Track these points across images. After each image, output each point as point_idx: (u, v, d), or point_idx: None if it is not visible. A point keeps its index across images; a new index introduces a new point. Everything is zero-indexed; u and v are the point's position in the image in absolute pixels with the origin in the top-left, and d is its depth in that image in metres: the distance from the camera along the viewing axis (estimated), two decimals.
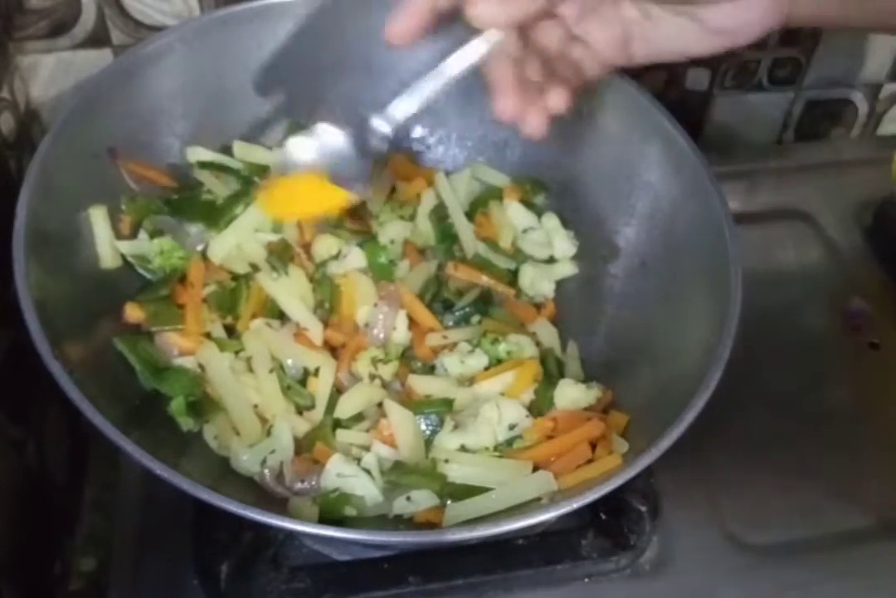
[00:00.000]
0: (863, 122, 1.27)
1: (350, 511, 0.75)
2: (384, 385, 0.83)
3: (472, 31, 0.68)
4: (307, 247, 0.91)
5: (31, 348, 0.66)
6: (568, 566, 0.82)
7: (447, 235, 0.94)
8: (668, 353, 0.81)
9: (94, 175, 0.82)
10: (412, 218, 0.95)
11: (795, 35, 1.14)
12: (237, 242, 0.88)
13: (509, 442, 0.80)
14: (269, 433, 0.78)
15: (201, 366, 0.80)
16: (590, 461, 0.76)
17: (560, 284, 0.95)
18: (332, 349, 0.85)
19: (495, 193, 0.97)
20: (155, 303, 0.82)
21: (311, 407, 0.81)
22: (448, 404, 0.81)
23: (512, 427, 0.80)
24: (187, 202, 0.89)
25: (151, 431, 0.73)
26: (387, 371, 0.83)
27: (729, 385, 0.71)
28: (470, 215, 0.96)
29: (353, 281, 0.88)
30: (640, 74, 1.12)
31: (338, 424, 0.81)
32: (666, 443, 0.69)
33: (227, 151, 0.93)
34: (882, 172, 1.06)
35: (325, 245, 0.90)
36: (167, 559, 0.81)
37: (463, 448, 0.78)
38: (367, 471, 0.76)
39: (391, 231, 0.92)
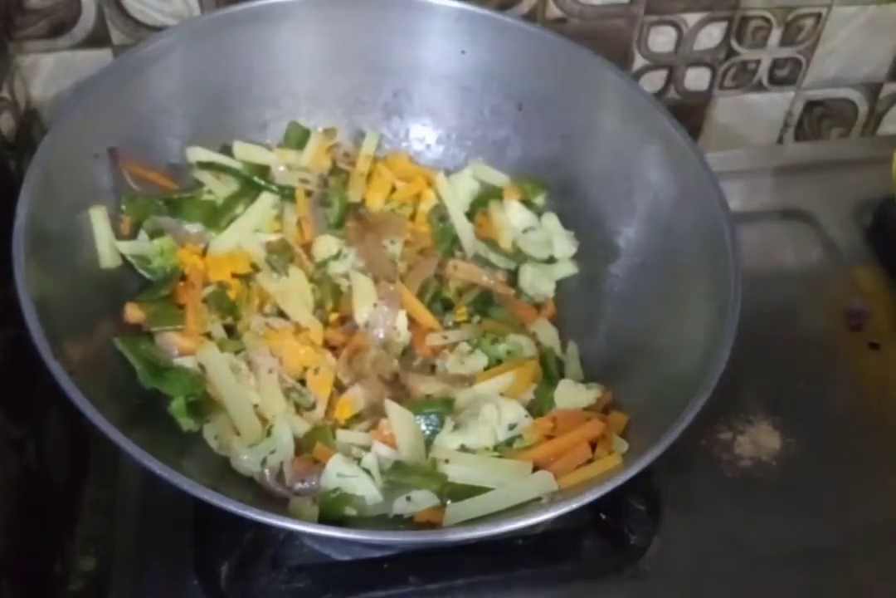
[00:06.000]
0: (863, 122, 1.27)
1: (350, 511, 0.75)
2: (384, 385, 0.83)
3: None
4: (307, 247, 0.91)
5: (32, 347, 0.66)
6: (568, 566, 0.82)
7: (447, 235, 0.94)
8: (668, 353, 0.81)
9: (94, 175, 0.82)
10: (412, 218, 0.95)
11: (795, 35, 1.14)
12: (237, 242, 0.88)
13: (509, 442, 0.80)
14: (269, 433, 0.78)
15: (201, 366, 0.80)
16: (590, 461, 0.76)
17: (560, 284, 0.95)
18: (332, 349, 0.85)
19: (495, 193, 0.97)
20: (155, 303, 0.82)
21: (311, 407, 0.81)
22: (448, 404, 0.81)
23: (512, 427, 0.80)
24: (187, 202, 0.89)
25: (151, 431, 0.73)
26: (387, 371, 0.83)
27: (729, 385, 0.71)
28: (470, 215, 0.96)
29: (353, 281, 0.88)
30: (640, 74, 1.13)
31: (337, 424, 0.81)
32: (666, 443, 0.69)
33: (227, 151, 0.93)
34: (882, 172, 1.06)
35: (325, 245, 0.90)
36: (167, 559, 0.81)
37: (463, 448, 0.78)
38: (367, 471, 0.76)
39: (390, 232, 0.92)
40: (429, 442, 0.79)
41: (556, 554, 0.83)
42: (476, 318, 0.91)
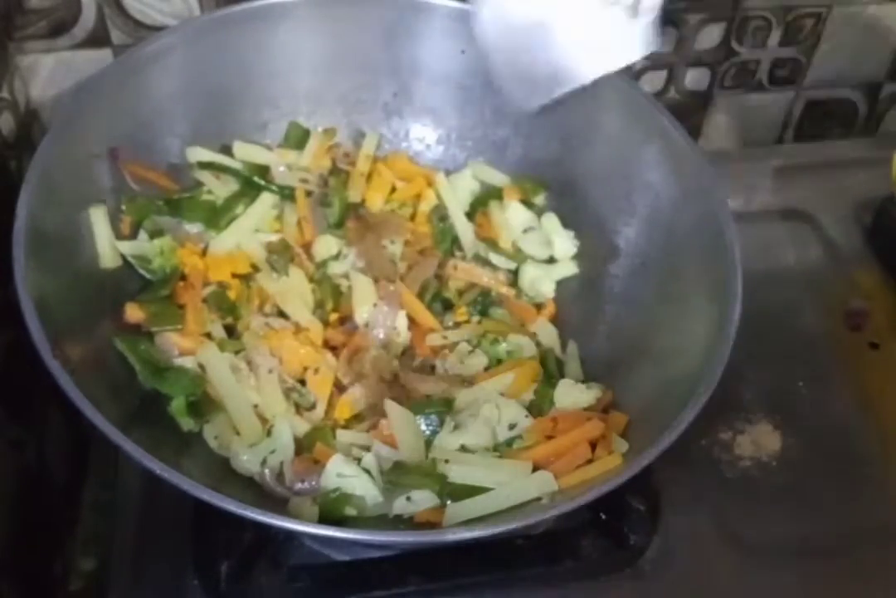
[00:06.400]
0: (863, 122, 1.27)
1: (350, 511, 0.75)
2: (384, 385, 0.83)
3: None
4: (307, 247, 0.91)
5: (32, 347, 0.66)
6: (568, 566, 0.82)
7: (447, 235, 0.94)
8: (668, 353, 0.81)
9: (94, 175, 0.82)
10: (412, 218, 0.95)
11: (795, 35, 1.14)
12: (237, 242, 0.88)
13: (509, 442, 0.80)
14: (269, 433, 0.78)
15: (201, 366, 0.80)
16: (590, 461, 0.76)
17: (560, 284, 0.95)
18: (332, 349, 0.85)
19: (495, 193, 0.97)
20: (155, 303, 0.82)
21: (312, 407, 0.81)
22: (448, 404, 0.81)
23: (512, 427, 0.80)
24: (187, 202, 0.89)
25: (151, 431, 0.73)
26: (387, 371, 0.83)
27: (729, 385, 0.71)
28: (470, 215, 0.96)
29: (353, 281, 0.88)
30: (640, 74, 1.13)
31: (337, 424, 0.81)
32: (666, 443, 0.69)
33: (227, 151, 0.93)
34: (882, 172, 1.06)
35: (325, 245, 0.90)
36: (167, 559, 0.81)
37: (463, 448, 0.78)
38: (367, 471, 0.76)
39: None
40: (429, 442, 0.79)
41: (556, 554, 0.82)
42: (476, 318, 0.91)
